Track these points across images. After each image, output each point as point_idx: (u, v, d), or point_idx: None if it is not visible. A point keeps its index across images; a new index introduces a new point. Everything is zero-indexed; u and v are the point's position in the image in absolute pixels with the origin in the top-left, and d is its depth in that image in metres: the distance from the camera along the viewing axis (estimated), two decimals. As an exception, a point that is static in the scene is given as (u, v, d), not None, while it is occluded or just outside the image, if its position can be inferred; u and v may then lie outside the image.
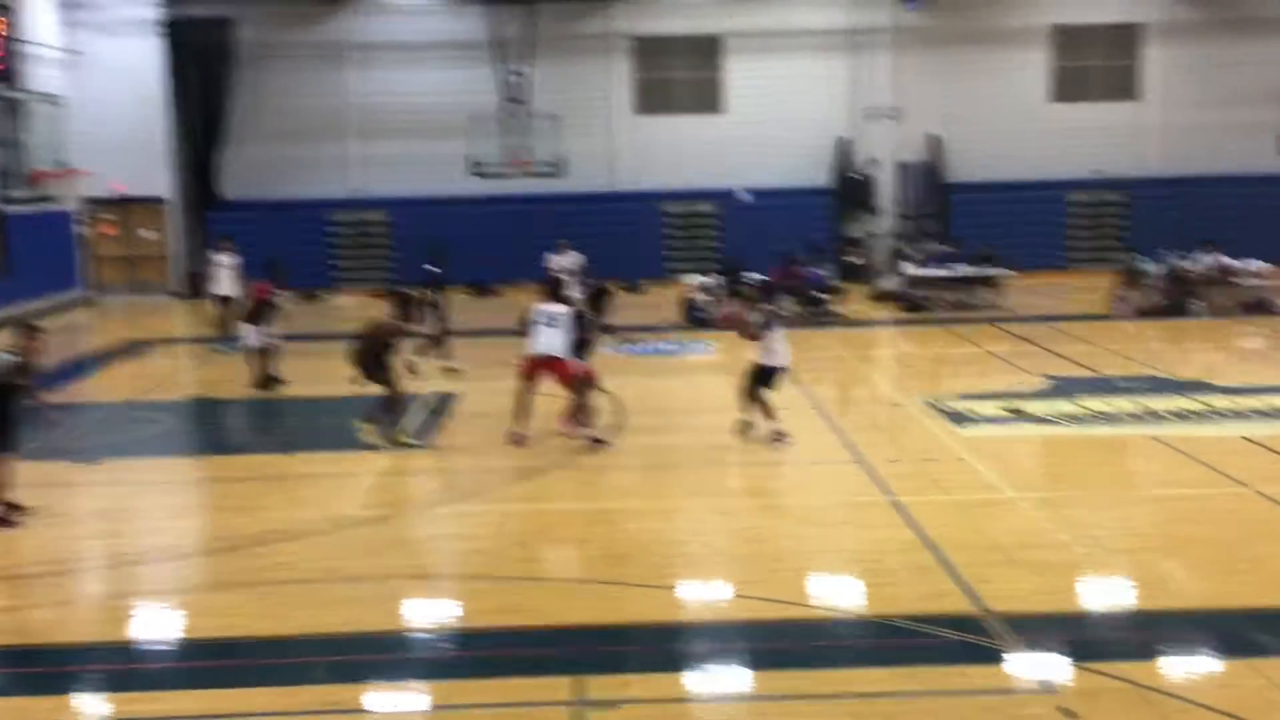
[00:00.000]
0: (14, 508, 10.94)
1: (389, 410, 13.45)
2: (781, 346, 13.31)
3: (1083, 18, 29.69)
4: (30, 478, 11.87)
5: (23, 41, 23.13)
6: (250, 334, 16.61)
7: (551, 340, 13.15)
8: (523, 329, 13.47)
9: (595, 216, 29.11)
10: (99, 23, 27.93)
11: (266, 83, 29.41)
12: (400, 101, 29.48)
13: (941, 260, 24.77)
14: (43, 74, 25.92)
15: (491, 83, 28.32)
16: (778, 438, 13.12)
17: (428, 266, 18.66)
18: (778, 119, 29.68)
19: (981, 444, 13.08)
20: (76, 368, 19.79)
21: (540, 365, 13.14)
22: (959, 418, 14.32)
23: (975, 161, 29.88)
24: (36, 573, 9.64)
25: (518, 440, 13.16)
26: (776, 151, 29.76)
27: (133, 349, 21.58)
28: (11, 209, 23.63)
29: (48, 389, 12.80)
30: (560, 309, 13.42)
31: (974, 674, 7.43)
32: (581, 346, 13.58)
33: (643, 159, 29.92)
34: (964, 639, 7.88)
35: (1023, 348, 19.31)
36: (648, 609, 8.64)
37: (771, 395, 13.34)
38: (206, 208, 29.29)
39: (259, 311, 16.66)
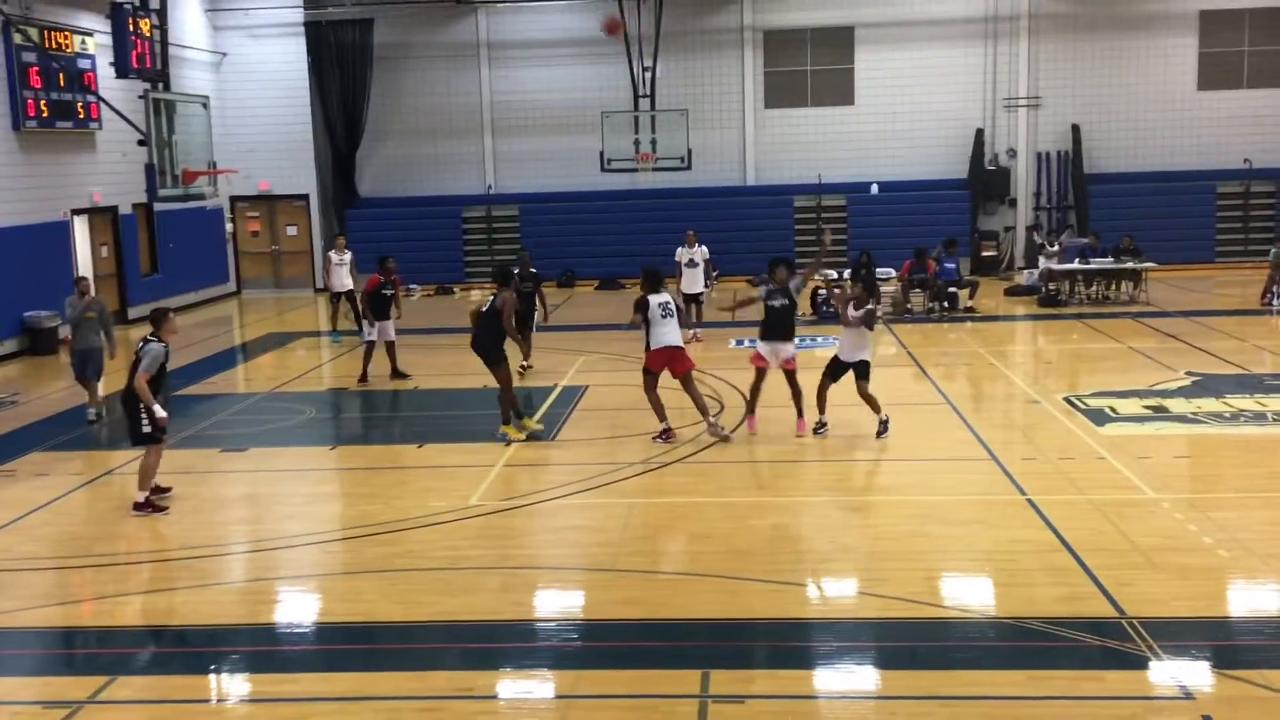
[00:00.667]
0: (159, 490, 11.41)
1: (505, 399, 13.55)
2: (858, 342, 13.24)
3: (1232, 2, 28.45)
4: (179, 464, 12.38)
5: (174, 45, 24.02)
6: (368, 329, 17.06)
7: (676, 331, 13.15)
8: (637, 323, 13.32)
9: (724, 211, 29.03)
10: (244, 25, 28.93)
11: (402, 82, 30.05)
12: (532, 98, 29.83)
13: (1080, 253, 24.03)
14: (192, 76, 26.96)
15: (621, 78, 28.43)
16: (819, 428, 13.26)
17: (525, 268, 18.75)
18: (910, 110, 29.16)
19: (1122, 443, 12.66)
20: (224, 359, 20.54)
21: (667, 357, 13.10)
22: (1098, 415, 13.88)
23: (1117, 151, 28.93)
24: (181, 557, 10.03)
25: (668, 436, 13.19)
26: (909, 143, 29.26)
27: (275, 341, 22.28)
28: (162, 207, 24.62)
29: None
30: (669, 299, 13.36)
31: (1111, 679, 7.19)
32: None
33: (772, 153, 29.72)
34: (1102, 643, 7.64)
35: (1166, 344, 18.63)
36: (773, 605, 8.59)
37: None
38: (345, 205, 30.10)
39: (370, 304, 17.02)
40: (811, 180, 29.32)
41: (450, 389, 16.92)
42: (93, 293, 15.32)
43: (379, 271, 17.18)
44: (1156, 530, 9.85)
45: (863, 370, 13.10)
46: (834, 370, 13.28)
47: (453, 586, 9.09)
